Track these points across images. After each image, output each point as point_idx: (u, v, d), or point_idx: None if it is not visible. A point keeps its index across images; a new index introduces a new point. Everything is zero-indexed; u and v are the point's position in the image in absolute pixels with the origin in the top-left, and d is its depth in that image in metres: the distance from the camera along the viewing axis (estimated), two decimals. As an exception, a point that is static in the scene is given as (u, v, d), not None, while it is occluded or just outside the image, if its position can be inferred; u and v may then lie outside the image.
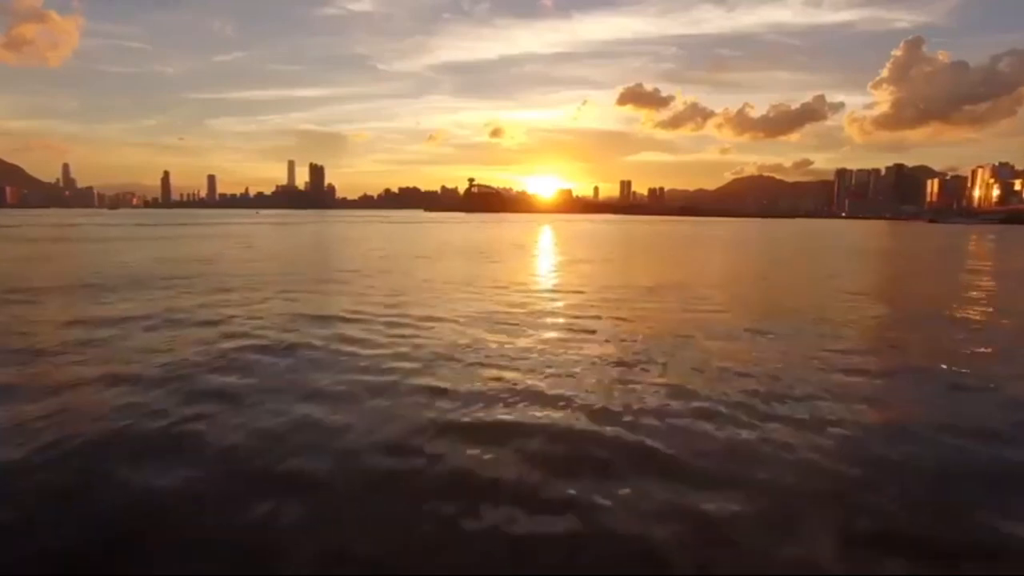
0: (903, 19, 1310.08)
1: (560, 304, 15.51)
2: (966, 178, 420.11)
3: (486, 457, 5.91)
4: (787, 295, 18.84)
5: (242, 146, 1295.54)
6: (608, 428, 6.69)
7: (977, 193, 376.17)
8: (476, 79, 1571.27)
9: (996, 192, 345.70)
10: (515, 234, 67.03)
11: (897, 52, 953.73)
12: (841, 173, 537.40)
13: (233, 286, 17.59)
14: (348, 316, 13.26)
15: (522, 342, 11.02)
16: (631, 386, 8.28)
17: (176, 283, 18.16)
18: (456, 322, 12.65)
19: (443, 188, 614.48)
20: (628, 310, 14.52)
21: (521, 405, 7.48)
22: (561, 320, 13.31)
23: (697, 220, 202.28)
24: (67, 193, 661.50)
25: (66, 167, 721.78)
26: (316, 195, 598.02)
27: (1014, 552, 4.51)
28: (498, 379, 8.59)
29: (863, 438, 6.56)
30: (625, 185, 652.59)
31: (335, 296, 16.23)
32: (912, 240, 68.62)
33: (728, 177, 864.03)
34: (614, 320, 13.22)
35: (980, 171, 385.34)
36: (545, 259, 32.57)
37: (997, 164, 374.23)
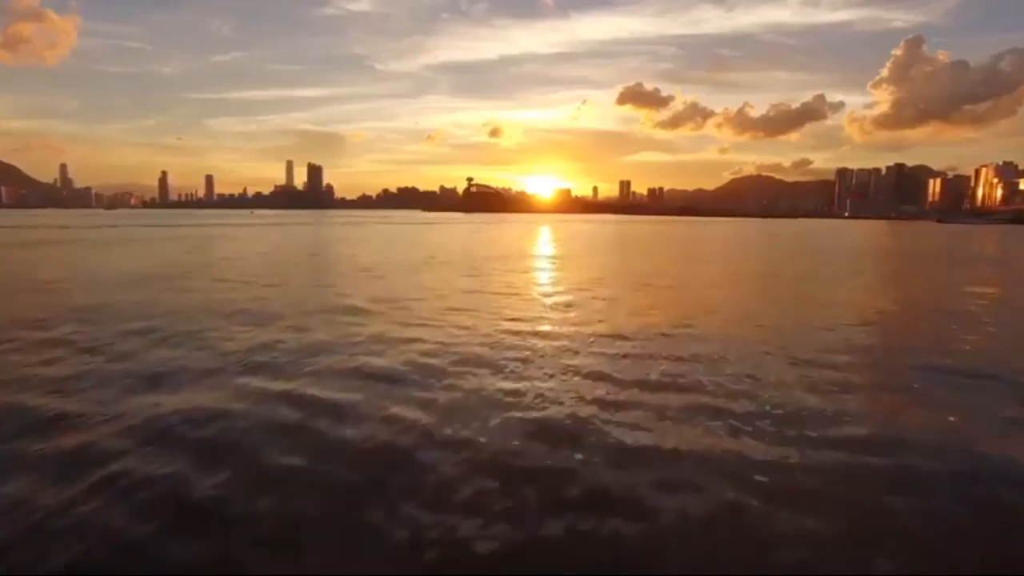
0: (901, 19, 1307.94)
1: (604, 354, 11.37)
2: (969, 178, 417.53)
3: None
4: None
5: (241, 146, 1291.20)
6: None
7: (980, 193, 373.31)
8: (475, 79, 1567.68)
9: (1000, 192, 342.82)
10: (516, 236, 63.37)
11: (897, 52, 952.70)
12: (842, 173, 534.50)
13: (116, 327, 12.15)
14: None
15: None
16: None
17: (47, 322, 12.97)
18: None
19: (442, 188, 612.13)
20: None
21: None
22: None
23: (699, 220, 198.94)
24: (65, 193, 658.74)
25: (63, 167, 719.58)
26: (314, 195, 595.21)
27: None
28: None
29: None
30: (624, 185, 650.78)
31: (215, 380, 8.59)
32: (941, 241, 64.96)
33: (727, 177, 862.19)
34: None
35: (984, 170, 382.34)
36: (557, 273, 26.34)
37: (1001, 163, 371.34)
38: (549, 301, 16.45)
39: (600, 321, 13.35)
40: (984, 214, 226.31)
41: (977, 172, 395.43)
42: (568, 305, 15.60)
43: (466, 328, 12.40)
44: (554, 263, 29.53)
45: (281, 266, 26.42)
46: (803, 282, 22.96)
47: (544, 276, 23.20)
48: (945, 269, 31.71)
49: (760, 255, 40.89)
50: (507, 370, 9.25)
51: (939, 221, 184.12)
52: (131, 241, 45.42)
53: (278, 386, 8.32)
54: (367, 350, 10.46)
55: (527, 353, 10.31)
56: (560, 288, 19.01)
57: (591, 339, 11.47)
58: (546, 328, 12.59)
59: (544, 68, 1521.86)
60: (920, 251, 48.49)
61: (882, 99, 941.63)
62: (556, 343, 11.11)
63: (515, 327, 12.48)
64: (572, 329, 12.46)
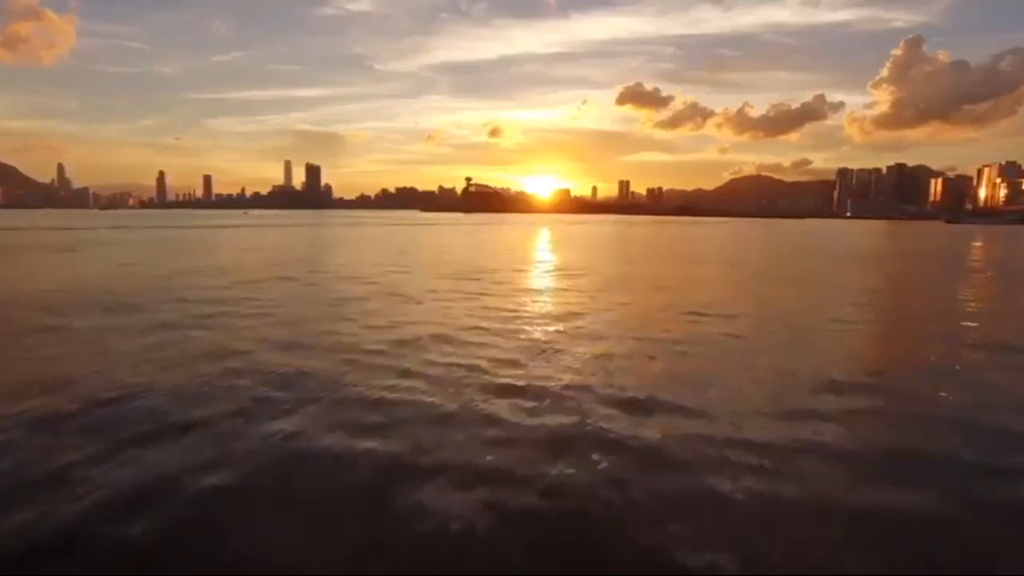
0: (900, 19, 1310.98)
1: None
2: (971, 178, 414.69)
3: None
4: None
5: (240, 146, 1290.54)
6: None
7: (983, 193, 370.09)
8: (474, 79, 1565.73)
9: (1004, 192, 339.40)
10: (516, 241, 59.78)
11: (897, 51, 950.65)
12: (842, 173, 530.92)
13: None
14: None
15: None
16: None
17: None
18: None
19: (441, 188, 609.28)
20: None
21: None
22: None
23: (700, 221, 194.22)
24: (63, 194, 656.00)
25: (61, 167, 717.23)
26: (313, 195, 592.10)
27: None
28: None
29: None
30: (624, 185, 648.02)
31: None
32: (976, 242, 61.32)
33: (726, 177, 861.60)
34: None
35: (987, 170, 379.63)
36: (572, 297, 17.62)
37: (1004, 163, 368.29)
38: (579, 367, 9.73)
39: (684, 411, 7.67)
40: (990, 214, 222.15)
41: (980, 172, 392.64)
42: (623, 398, 8.13)
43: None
44: (564, 279, 23.45)
45: (223, 283, 22.74)
46: (904, 300, 19.38)
47: (557, 304, 16.62)
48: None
49: (801, 263, 37.34)
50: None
51: (948, 221, 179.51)
52: (86, 245, 41.85)
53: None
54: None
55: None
56: (586, 334, 12.37)
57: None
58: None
59: (544, 68, 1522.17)
60: (986, 256, 44.92)
61: (882, 99, 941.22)
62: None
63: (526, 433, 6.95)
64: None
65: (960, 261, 38.41)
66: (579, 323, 13.50)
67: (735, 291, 20.92)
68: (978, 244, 60.04)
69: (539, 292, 19.41)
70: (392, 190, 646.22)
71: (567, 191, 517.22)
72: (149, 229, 69.33)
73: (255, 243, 46.68)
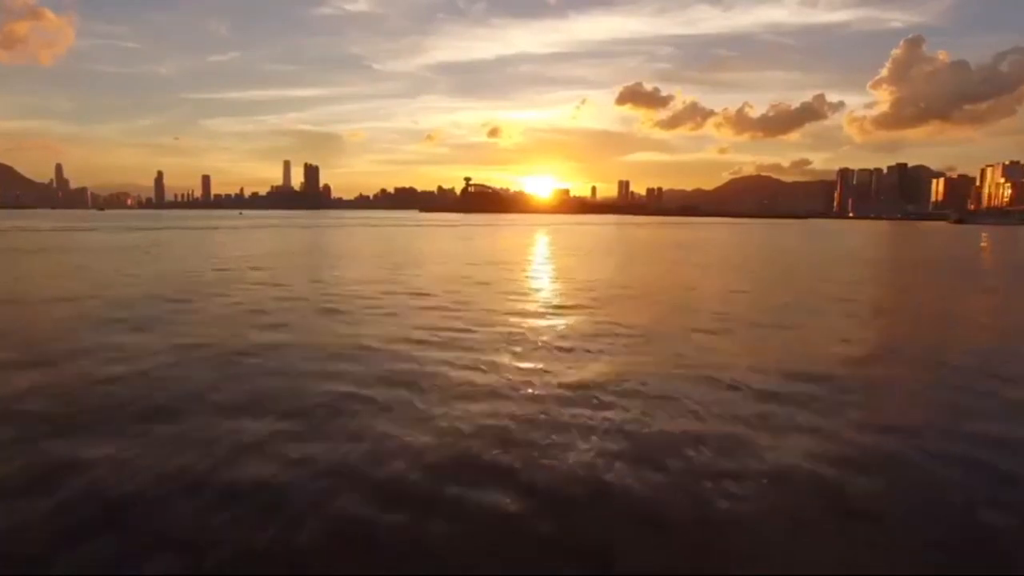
0: (897, 19, 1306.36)
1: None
2: (973, 178, 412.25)
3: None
4: None
5: (238, 146, 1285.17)
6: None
7: (987, 193, 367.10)
8: (472, 79, 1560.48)
9: (1008, 192, 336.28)
10: (515, 247, 56.39)
11: (897, 51, 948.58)
12: (843, 173, 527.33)
13: None
14: None
15: None
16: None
17: None
18: None
19: (440, 188, 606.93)
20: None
21: None
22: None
23: (704, 221, 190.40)
24: (60, 194, 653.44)
25: (59, 167, 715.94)
26: (311, 195, 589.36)
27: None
28: None
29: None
30: (623, 185, 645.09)
31: None
32: None
33: (726, 177, 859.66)
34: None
35: (990, 170, 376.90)
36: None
37: (1007, 163, 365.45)
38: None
39: None
40: (998, 213, 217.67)
41: (983, 172, 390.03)
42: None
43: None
44: (596, 330, 13.13)
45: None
46: None
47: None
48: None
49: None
50: None
51: (955, 222, 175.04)
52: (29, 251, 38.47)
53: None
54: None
55: None
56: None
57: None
58: None
59: (542, 68, 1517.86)
60: None
61: (882, 99, 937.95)
62: None
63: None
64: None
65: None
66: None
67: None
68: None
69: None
70: (391, 190, 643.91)
71: (566, 191, 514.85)
72: (125, 232, 65.81)
73: (233, 249, 43.21)
